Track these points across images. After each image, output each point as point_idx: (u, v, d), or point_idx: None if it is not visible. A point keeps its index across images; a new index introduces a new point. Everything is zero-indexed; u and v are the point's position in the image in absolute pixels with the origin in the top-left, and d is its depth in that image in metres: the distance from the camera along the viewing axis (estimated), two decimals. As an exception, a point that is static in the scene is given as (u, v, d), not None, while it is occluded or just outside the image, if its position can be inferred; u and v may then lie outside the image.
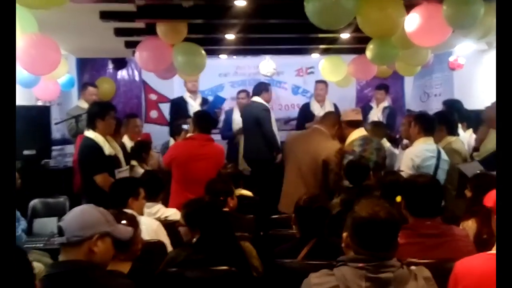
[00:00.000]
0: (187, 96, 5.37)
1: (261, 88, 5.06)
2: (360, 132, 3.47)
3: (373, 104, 5.79)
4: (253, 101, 5.03)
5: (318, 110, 5.53)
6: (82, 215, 1.58)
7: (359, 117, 3.58)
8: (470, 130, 4.19)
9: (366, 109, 5.78)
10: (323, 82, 5.67)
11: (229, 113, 5.55)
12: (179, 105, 5.34)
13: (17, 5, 2.48)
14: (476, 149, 3.45)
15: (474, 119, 4.13)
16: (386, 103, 5.70)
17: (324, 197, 2.53)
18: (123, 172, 3.26)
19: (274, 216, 3.25)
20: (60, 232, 1.55)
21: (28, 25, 2.93)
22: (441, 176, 3.06)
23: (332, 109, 5.41)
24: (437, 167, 3.07)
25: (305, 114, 5.63)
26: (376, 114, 5.52)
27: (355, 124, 3.50)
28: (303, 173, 3.45)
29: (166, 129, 5.70)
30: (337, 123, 3.64)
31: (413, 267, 1.52)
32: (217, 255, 2.04)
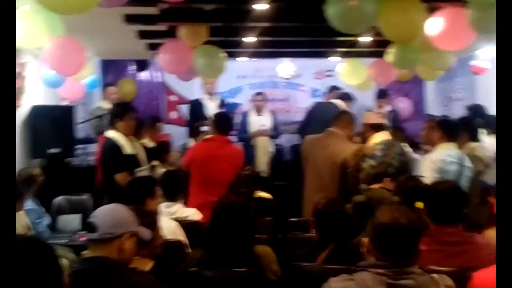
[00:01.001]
0: (205, 98, 5.42)
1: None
2: (383, 136, 3.41)
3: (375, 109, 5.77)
4: (332, 103, 5.03)
5: None
6: (114, 213, 1.62)
7: (382, 120, 3.55)
8: (494, 136, 4.11)
9: None
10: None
11: (245, 116, 5.56)
12: (196, 107, 5.40)
13: (45, 9, 2.57)
14: None
15: (497, 125, 4.05)
16: (389, 107, 5.69)
17: (342, 201, 2.51)
18: (142, 171, 3.32)
19: (292, 219, 3.26)
20: (92, 228, 1.59)
21: (55, 28, 3.03)
22: (464, 183, 3.00)
23: None
24: (460, 173, 3.01)
25: None
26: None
27: (377, 127, 3.46)
28: (323, 178, 3.42)
29: (185, 130, 5.78)
30: (352, 123, 3.61)
31: (435, 275, 1.51)
32: (229, 257, 2.04)
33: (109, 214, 1.62)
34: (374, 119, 3.50)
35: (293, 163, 4.84)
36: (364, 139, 3.55)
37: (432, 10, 3.05)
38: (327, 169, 3.41)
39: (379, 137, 3.40)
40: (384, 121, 3.62)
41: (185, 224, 2.76)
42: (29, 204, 3.43)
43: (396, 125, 5.01)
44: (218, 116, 3.90)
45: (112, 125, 3.27)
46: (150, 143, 4.14)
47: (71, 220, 3.67)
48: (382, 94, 5.77)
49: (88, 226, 1.61)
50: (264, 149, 5.34)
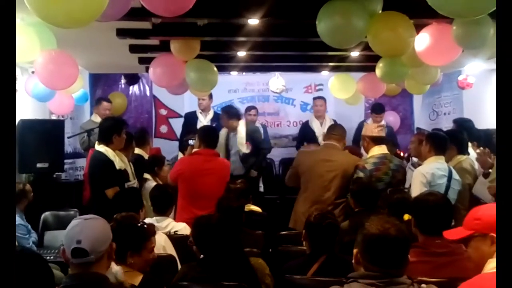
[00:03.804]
0: (198, 112, 5.46)
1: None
2: (379, 150, 3.41)
3: (369, 122, 5.82)
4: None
5: (318, 127, 5.62)
6: (98, 232, 1.61)
7: (383, 133, 3.51)
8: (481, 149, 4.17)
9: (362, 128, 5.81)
10: (322, 98, 5.75)
11: (236, 129, 5.59)
12: (190, 120, 5.44)
13: (37, 22, 2.58)
14: (486, 174, 3.35)
15: (484, 139, 4.12)
16: (383, 122, 5.71)
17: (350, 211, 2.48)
18: (131, 185, 3.30)
19: (283, 232, 3.25)
20: (83, 253, 1.56)
21: (47, 42, 3.04)
22: (452, 195, 3.04)
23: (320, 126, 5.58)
24: (448, 186, 3.05)
25: (305, 131, 5.69)
26: None
27: (378, 140, 3.45)
28: (328, 190, 3.37)
29: (175, 143, 5.77)
30: (345, 135, 3.63)
31: (423, 285, 1.52)
32: (226, 273, 2.03)
33: (94, 234, 1.59)
34: (376, 132, 3.47)
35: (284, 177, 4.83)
36: (360, 153, 3.54)
37: (420, 26, 3.13)
38: (336, 181, 3.36)
39: (376, 151, 3.41)
40: (384, 135, 3.61)
41: (175, 239, 2.74)
42: (16, 219, 3.37)
43: (390, 140, 5.07)
44: (204, 129, 3.89)
45: (107, 140, 3.18)
46: (146, 155, 4.12)
47: (58, 236, 3.61)
48: (378, 109, 5.67)
49: (78, 252, 1.56)
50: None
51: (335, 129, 3.68)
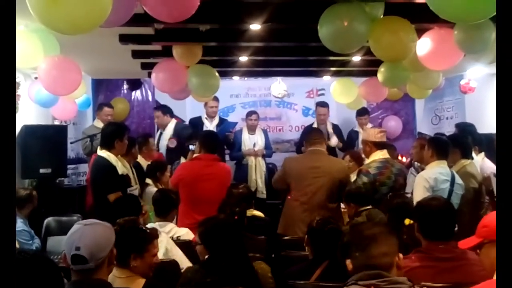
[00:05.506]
0: (204, 118, 5.48)
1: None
2: (381, 154, 3.42)
3: (357, 129, 5.84)
4: None
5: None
6: (98, 238, 1.60)
7: (385, 138, 3.53)
8: (482, 154, 4.16)
9: (352, 135, 5.84)
10: (325, 106, 5.74)
11: (239, 134, 5.58)
12: (195, 125, 5.45)
13: (41, 28, 2.61)
14: None
15: (486, 143, 4.10)
16: (370, 126, 5.72)
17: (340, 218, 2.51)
18: (134, 191, 3.30)
19: (285, 238, 3.24)
20: (83, 260, 1.55)
21: (51, 48, 3.06)
22: (455, 200, 3.03)
23: (330, 129, 5.61)
24: (451, 191, 3.04)
25: None
26: None
27: (380, 145, 3.46)
28: (319, 197, 3.36)
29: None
30: (325, 139, 3.66)
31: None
32: (230, 276, 2.03)
33: (94, 241, 1.58)
34: (378, 137, 3.47)
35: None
36: (361, 157, 3.55)
37: (421, 31, 3.14)
38: (325, 186, 3.35)
39: (378, 155, 3.42)
40: (385, 140, 3.61)
41: (178, 244, 2.74)
42: (19, 225, 3.37)
43: (388, 143, 5.05)
44: (204, 135, 3.89)
45: (109, 145, 3.19)
46: (145, 162, 4.12)
47: (61, 242, 3.58)
48: (362, 111, 5.82)
49: (77, 259, 1.56)
50: (258, 168, 5.35)
51: (315, 134, 3.66)
